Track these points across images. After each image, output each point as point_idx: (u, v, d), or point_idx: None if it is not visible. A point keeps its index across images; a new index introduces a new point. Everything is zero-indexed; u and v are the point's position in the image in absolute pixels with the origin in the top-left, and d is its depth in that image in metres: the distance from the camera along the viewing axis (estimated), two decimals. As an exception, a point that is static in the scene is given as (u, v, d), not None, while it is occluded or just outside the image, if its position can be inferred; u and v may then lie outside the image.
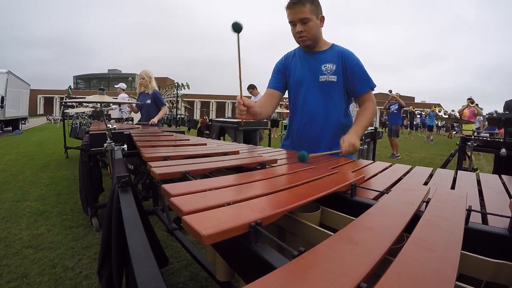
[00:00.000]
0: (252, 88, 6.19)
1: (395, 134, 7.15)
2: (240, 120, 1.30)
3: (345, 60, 1.46)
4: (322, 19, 1.45)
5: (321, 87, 1.50)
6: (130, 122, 5.31)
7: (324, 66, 1.49)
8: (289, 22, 1.44)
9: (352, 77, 1.47)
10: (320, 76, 1.49)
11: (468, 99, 7.66)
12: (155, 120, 3.72)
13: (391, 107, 7.42)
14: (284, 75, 1.63)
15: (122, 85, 6.93)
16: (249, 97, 5.82)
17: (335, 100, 1.51)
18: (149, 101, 3.81)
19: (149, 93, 3.85)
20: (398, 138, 7.32)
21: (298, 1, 1.37)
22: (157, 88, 3.97)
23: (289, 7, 1.40)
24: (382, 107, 8.15)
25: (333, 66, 1.47)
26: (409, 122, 18.34)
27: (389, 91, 7.82)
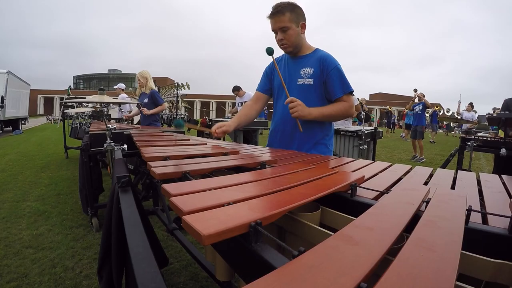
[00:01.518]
0: (237, 90, 6.14)
1: (420, 136, 6.81)
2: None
3: (323, 64, 1.49)
4: (303, 26, 1.51)
5: (298, 89, 1.55)
6: (130, 122, 5.32)
7: (303, 70, 1.54)
8: (272, 30, 1.52)
9: (329, 80, 1.49)
10: (298, 79, 1.56)
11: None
12: (148, 111, 3.78)
13: (415, 107, 7.07)
14: (270, 79, 1.73)
15: (121, 85, 6.93)
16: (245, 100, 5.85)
17: (311, 101, 1.51)
18: (146, 100, 3.86)
19: (147, 92, 3.90)
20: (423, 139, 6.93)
21: (277, 11, 1.44)
22: (154, 87, 4.01)
23: (270, 16, 1.48)
24: (407, 107, 7.76)
25: (311, 70, 1.52)
26: (386, 121, 18.57)
27: (414, 90, 7.37)
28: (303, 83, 1.54)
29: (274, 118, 1.71)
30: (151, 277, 0.42)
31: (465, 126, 7.14)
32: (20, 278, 1.77)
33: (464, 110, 9.45)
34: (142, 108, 3.78)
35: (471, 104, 9.14)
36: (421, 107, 6.96)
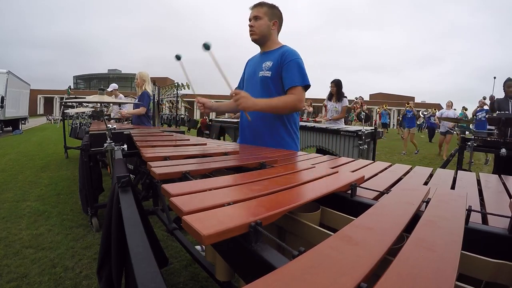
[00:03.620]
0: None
1: None
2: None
3: (282, 58, 1.58)
4: (275, 23, 1.66)
5: (260, 81, 1.66)
6: (130, 122, 5.31)
7: (265, 64, 1.65)
8: (248, 20, 1.66)
9: (284, 70, 1.57)
10: (259, 72, 1.67)
11: None
12: (123, 112, 3.91)
13: (478, 114, 6.73)
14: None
15: (114, 85, 6.87)
16: None
17: (271, 93, 1.61)
18: (136, 100, 3.92)
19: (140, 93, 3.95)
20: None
21: (258, 4, 1.63)
22: (148, 90, 4.00)
23: (251, 7, 1.65)
24: (472, 113, 7.33)
25: (270, 63, 1.62)
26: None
27: (483, 98, 6.89)
28: (263, 75, 1.64)
29: (242, 112, 1.79)
30: (151, 277, 0.42)
31: (443, 127, 6.98)
32: (20, 278, 1.77)
33: (445, 110, 8.95)
34: (118, 110, 3.88)
35: (450, 102, 8.44)
36: (484, 114, 6.58)
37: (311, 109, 10.83)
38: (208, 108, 1.75)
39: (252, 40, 1.69)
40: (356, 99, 9.35)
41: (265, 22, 1.62)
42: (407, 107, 9.03)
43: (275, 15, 1.65)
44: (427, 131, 13.78)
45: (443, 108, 9.54)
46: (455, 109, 8.89)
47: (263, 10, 1.61)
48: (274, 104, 1.53)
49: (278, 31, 1.71)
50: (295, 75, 1.54)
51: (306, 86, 1.58)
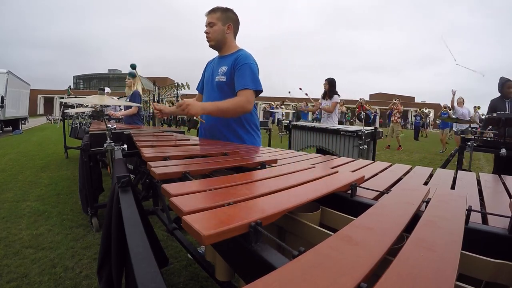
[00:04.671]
0: None
1: None
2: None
3: (235, 62, 1.61)
4: (229, 27, 1.69)
5: (216, 86, 1.70)
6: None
7: (220, 69, 1.68)
8: (205, 26, 1.70)
9: (236, 73, 1.60)
10: (216, 77, 1.70)
11: None
12: (117, 114, 3.95)
13: None
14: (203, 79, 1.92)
15: (108, 89, 6.91)
16: None
17: (229, 97, 1.61)
18: (128, 100, 3.95)
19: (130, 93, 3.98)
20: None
21: (212, 10, 1.67)
22: (139, 90, 4.02)
23: (206, 14, 1.69)
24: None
25: (225, 68, 1.66)
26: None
27: None
28: (219, 80, 1.67)
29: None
30: (151, 277, 0.42)
31: (460, 126, 6.77)
32: (20, 278, 1.77)
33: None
34: (109, 112, 3.90)
35: (462, 99, 7.41)
36: None
37: (344, 108, 11.51)
38: (166, 114, 1.88)
39: (210, 46, 1.72)
40: (395, 100, 9.53)
41: (219, 28, 1.65)
42: (443, 109, 9.53)
43: (229, 19, 1.67)
44: (413, 130, 14.29)
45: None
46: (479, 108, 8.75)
47: (216, 15, 1.64)
48: (221, 107, 1.53)
49: (235, 34, 1.74)
50: (246, 79, 1.56)
51: (257, 91, 1.59)
